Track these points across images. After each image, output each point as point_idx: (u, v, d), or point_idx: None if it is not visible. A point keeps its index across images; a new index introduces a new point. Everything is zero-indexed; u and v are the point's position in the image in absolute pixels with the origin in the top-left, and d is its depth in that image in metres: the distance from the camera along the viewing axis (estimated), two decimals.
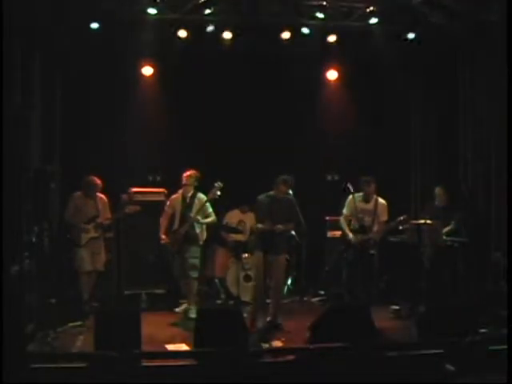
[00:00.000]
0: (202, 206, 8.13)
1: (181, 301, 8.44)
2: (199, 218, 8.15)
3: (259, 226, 7.46)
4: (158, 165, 9.40)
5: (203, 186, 8.27)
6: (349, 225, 8.26)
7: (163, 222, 8.29)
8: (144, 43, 8.57)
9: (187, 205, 8.22)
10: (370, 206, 8.22)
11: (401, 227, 8.11)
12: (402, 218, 8.04)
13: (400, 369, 6.00)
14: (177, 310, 8.34)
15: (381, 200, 8.27)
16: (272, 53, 9.13)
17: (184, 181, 8.23)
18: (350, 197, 8.24)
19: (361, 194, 8.26)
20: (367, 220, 8.18)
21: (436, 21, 8.20)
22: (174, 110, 9.38)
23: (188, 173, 8.23)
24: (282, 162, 8.94)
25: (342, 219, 8.34)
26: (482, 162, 8.45)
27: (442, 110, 9.39)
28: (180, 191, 8.32)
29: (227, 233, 9.20)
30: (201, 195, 8.25)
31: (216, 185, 8.01)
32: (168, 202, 8.39)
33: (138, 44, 8.60)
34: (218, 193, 8.01)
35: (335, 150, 9.76)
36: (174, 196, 8.39)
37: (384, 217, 8.21)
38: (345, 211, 8.31)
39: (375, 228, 8.14)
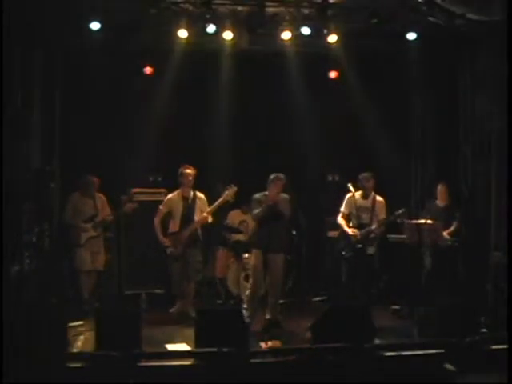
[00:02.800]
0: (215, 208, 8.03)
1: (177, 302, 8.34)
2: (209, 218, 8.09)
3: (256, 211, 7.43)
4: (158, 165, 9.40)
5: (205, 186, 8.27)
6: (347, 222, 8.31)
7: (157, 222, 8.09)
8: (144, 43, 8.57)
9: (189, 205, 8.10)
10: (368, 203, 8.26)
11: (399, 220, 8.11)
12: (400, 211, 8.05)
13: (400, 369, 6.00)
14: (171, 310, 8.25)
15: (379, 198, 8.32)
16: (272, 53, 9.13)
17: (184, 180, 8.09)
18: (349, 194, 8.31)
19: (359, 191, 8.31)
20: (365, 217, 8.21)
21: (436, 21, 8.20)
22: (174, 110, 9.37)
23: (188, 171, 8.06)
24: (283, 161, 8.94)
25: (339, 217, 8.38)
26: (482, 162, 8.45)
27: (442, 110, 9.38)
28: (178, 191, 8.20)
29: (228, 233, 9.20)
30: (200, 195, 8.19)
31: (230, 187, 7.94)
32: (164, 201, 8.20)
33: (138, 44, 8.61)
34: (231, 196, 7.94)
35: (335, 149, 9.76)
36: (170, 196, 8.23)
37: (382, 214, 8.26)
38: (343, 209, 8.36)
39: (373, 225, 8.17)
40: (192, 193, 8.13)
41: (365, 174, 8.30)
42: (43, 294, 7.03)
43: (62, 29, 8.05)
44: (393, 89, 9.51)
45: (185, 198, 8.13)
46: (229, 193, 7.94)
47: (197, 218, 8.07)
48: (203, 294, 8.77)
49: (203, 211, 8.08)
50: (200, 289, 8.53)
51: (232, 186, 7.97)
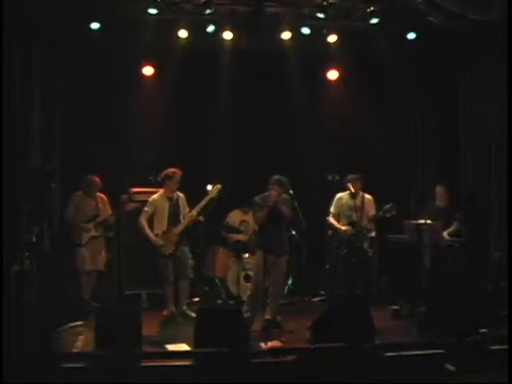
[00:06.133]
0: (202, 206, 8.08)
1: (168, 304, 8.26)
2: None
3: (259, 213, 7.43)
4: (158, 165, 9.39)
5: (204, 187, 8.29)
6: (338, 222, 8.48)
7: (144, 223, 8.06)
8: (144, 43, 8.57)
9: (174, 205, 8.12)
10: (357, 202, 8.34)
11: (388, 215, 8.14)
12: (387, 206, 8.10)
13: (400, 369, 6.00)
14: (164, 313, 8.13)
15: (367, 196, 8.45)
16: (272, 53, 9.14)
17: (173, 183, 8.08)
18: (337, 195, 8.51)
19: (347, 192, 8.43)
20: (355, 216, 8.30)
21: (436, 21, 8.20)
22: (175, 110, 9.38)
23: (178, 175, 8.09)
24: (282, 161, 8.94)
25: (330, 218, 8.55)
26: (482, 162, 8.45)
27: (442, 110, 9.39)
28: (162, 192, 8.17)
29: (228, 233, 9.20)
30: (181, 194, 8.23)
31: (215, 185, 7.99)
32: (149, 202, 8.14)
33: (138, 44, 8.61)
34: (215, 193, 8.00)
35: (335, 149, 9.76)
36: (154, 197, 8.17)
37: (372, 211, 8.40)
38: (332, 210, 8.55)
39: (364, 222, 8.25)
40: (176, 193, 8.19)
41: (352, 176, 8.42)
42: (43, 294, 7.02)
43: (61, 29, 8.06)
44: (393, 89, 9.51)
45: (169, 199, 8.16)
46: (213, 190, 7.99)
47: (182, 217, 8.15)
48: (204, 294, 8.76)
49: (185, 210, 8.17)
50: (199, 288, 8.53)
51: (216, 184, 8.02)
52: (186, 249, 8.19)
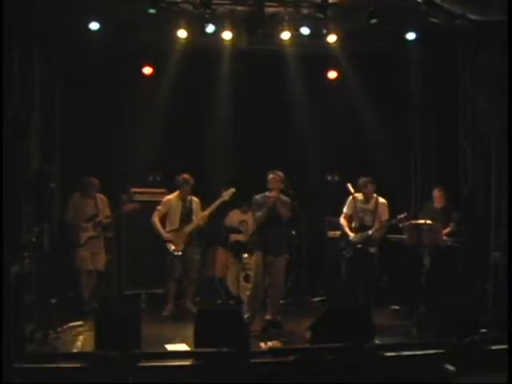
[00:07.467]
0: (215, 207, 8.23)
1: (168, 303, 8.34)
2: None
3: (258, 214, 7.43)
4: (158, 165, 9.40)
5: (205, 186, 8.30)
6: (349, 224, 8.33)
7: (157, 221, 8.21)
8: (144, 43, 8.57)
9: (187, 207, 8.27)
10: (371, 205, 8.27)
11: (401, 225, 8.12)
12: (402, 215, 8.05)
13: (400, 369, 6.00)
14: (165, 313, 8.23)
15: (381, 199, 8.33)
16: (272, 53, 9.14)
17: (187, 187, 8.24)
18: (351, 197, 8.32)
19: (361, 193, 8.32)
20: (367, 219, 8.22)
21: (436, 21, 8.20)
22: (174, 110, 9.38)
23: (187, 176, 8.25)
24: (282, 161, 8.93)
25: (341, 218, 8.41)
26: (482, 162, 8.45)
27: (442, 110, 9.38)
28: (177, 193, 8.31)
29: (228, 233, 9.20)
30: (195, 198, 8.37)
31: (229, 189, 8.14)
32: (162, 202, 8.30)
33: (138, 44, 8.61)
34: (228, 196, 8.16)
35: (335, 149, 9.76)
36: (169, 197, 8.35)
37: (385, 216, 8.26)
38: (345, 210, 8.40)
39: (376, 227, 8.17)
40: (189, 196, 8.33)
41: (363, 179, 8.32)
42: (43, 294, 7.02)
43: (61, 29, 8.06)
44: (393, 89, 9.51)
45: (183, 201, 8.31)
46: (227, 193, 8.16)
47: (195, 218, 8.25)
48: (203, 294, 8.76)
49: (198, 213, 8.29)
50: (200, 288, 8.55)
51: (231, 189, 8.18)
52: (195, 249, 8.26)
